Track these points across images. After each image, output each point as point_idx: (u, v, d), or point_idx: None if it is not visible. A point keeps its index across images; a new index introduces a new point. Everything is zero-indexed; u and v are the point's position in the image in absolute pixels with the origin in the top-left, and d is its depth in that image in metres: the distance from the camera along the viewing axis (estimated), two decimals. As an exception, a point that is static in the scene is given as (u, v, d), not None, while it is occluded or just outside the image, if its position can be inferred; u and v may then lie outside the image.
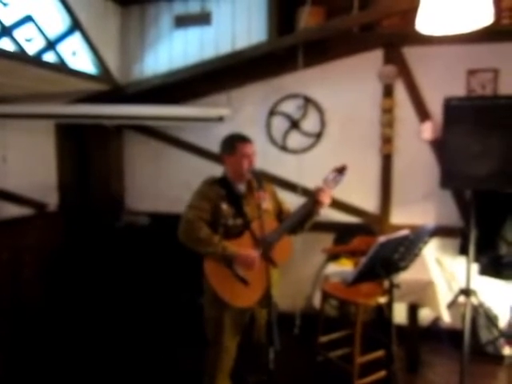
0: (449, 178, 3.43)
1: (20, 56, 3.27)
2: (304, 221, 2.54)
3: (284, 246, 2.48)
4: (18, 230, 3.92)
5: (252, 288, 2.36)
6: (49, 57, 3.60)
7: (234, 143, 2.51)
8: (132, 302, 4.07)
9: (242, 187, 2.52)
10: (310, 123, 4.13)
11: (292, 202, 2.77)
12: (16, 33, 3.33)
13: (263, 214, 2.24)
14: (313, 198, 2.45)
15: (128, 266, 4.13)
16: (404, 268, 2.36)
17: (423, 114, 3.84)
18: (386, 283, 2.55)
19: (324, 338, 3.28)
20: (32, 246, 4.01)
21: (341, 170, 2.54)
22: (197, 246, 2.35)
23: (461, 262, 3.69)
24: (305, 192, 4.04)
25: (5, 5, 3.24)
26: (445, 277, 3.83)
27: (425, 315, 3.58)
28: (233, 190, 2.49)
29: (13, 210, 3.93)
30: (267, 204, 2.50)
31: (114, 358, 3.58)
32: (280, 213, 2.64)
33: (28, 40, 3.43)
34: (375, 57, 3.91)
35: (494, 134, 3.25)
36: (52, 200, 4.37)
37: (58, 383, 3.23)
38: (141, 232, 4.27)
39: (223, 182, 2.51)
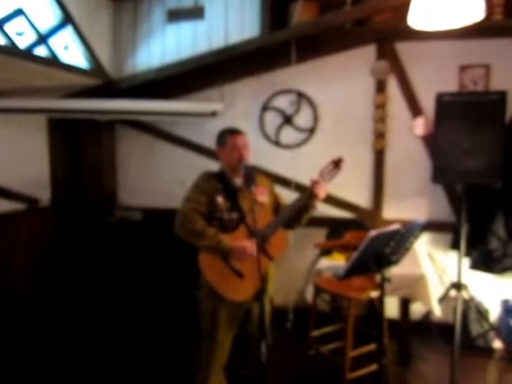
0: (440, 173, 3.45)
1: (11, 50, 3.24)
2: (300, 214, 2.54)
3: (280, 239, 2.48)
4: (9, 225, 3.90)
5: (247, 282, 2.36)
6: (40, 51, 3.57)
7: (225, 135, 2.55)
8: (125, 297, 4.07)
9: (238, 181, 2.52)
10: (303, 118, 4.13)
11: (285, 197, 2.77)
12: (7, 26, 3.31)
13: (258, 208, 2.24)
14: (308, 191, 2.46)
15: (121, 261, 4.12)
16: (395, 262, 2.37)
17: (415, 109, 3.86)
18: (378, 277, 2.57)
19: (316, 332, 3.30)
20: (24, 241, 4.00)
21: (337, 163, 2.53)
22: (192, 239, 2.35)
23: (452, 256, 3.73)
24: (298, 187, 4.05)
25: (-5, -2, 3.22)
26: (436, 271, 3.86)
27: (416, 309, 3.63)
28: (229, 184, 2.50)
29: (4, 206, 3.90)
30: (264, 198, 2.50)
31: (107, 353, 3.58)
32: (278, 207, 2.64)
33: (19, 34, 3.40)
34: (368, 52, 3.92)
35: (485, 129, 3.28)
36: (44, 195, 4.35)
37: (49, 379, 3.22)
38: (133, 227, 4.26)
39: (220, 176, 2.52)
